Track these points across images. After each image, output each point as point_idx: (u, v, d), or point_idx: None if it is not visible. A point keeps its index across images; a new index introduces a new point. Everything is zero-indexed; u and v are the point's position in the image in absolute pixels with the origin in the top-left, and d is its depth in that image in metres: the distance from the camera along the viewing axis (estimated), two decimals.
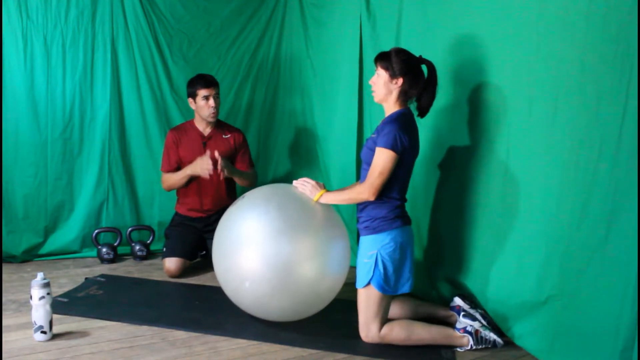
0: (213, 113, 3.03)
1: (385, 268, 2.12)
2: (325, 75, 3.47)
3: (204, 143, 3.08)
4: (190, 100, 3.08)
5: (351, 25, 3.17)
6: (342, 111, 3.32)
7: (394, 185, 2.16)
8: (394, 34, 2.84)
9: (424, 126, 2.66)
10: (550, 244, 2.01)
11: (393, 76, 2.17)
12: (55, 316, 2.19)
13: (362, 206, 2.22)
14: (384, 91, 2.20)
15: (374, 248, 2.15)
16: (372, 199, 2.13)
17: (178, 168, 3.11)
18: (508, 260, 2.21)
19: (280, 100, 3.83)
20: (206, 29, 3.59)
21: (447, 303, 2.43)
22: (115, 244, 3.30)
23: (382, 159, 2.09)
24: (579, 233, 1.89)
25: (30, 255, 3.21)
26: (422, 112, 2.24)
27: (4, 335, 2.14)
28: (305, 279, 2.17)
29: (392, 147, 2.08)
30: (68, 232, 3.31)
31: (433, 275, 2.68)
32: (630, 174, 1.71)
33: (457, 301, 2.35)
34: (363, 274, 2.16)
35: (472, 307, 2.30)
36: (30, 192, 3.19)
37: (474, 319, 2.22)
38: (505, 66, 2.18)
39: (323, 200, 2.25)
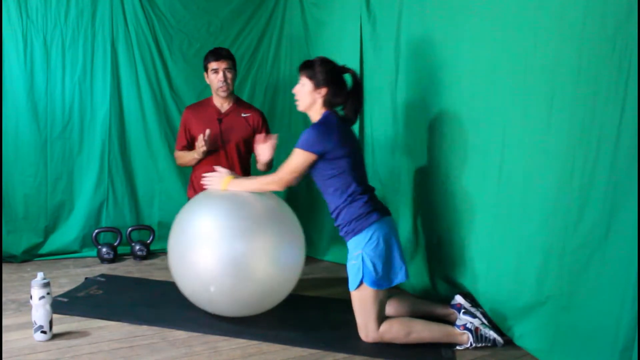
0: (222, 87, 2.94)
1: (373, 264, 2.13)
2: None
3: (220, 120, 2.99)
4: (205, 74, 3.03)
5: (351, 25, 3.17)
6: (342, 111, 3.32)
7: (346, 181, 2.19)
8: (394, 33, 2.84)
9: (423, 126, 2.66)
10: (548, 244, 2.01)
11: (317, 86, 2.24)
12: (55, 316, 2.19)
13: (334, 215, 2.25)
14: (308, 100, 2.27)
15: (358, 248, 2.16)
16: (279, 189, 2.26)
17: (192, 145, 3.04)
18: (507, 260, 2.21)
19: (279, 100, 3.84)
20: (206, 29, 3.59)
21: (446, 303, 2.42)
22: (115, 244, 3.30)
23: (295, 158, 2.19)
24: (577, 233, 1.89)
25: (30, 255, 3.21)
26: (349, 120, 2.29)
27: (4, 335, 2.14)
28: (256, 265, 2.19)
29: (304, 147, 2.17)
30: (68, 232, 3.31)
31: (432, 276, 2.68)
32: (629, 174, 1.71)
33: (458, 299, 2.35)
34: (353, 276, 2.17)
35: (473, 306, 2.30)
36: (30, 192, 3.20)
37: (474, 316, 2.22)
38: (503, 65, 2.17)
39: (231, 187, 2.31)
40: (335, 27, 3.34)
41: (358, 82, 2.29)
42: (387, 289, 2.18)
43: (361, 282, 2.14)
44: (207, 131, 2.85)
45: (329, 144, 2.16)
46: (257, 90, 3.78)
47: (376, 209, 2.20)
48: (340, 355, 2.09)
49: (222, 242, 2.17)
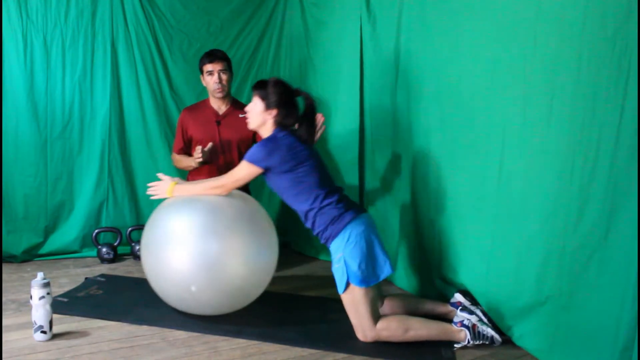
0: (218, 89, 2.97)
1: (357, 264, 2.14)
2: (325, 75, 3.47)
3: (218, 122, 3.02)
4: (201, 77, 3.06)
5: (351, 25, 3.17)
6: (342, 111, 3.32)
7: (306, 188, 2.22)
8: (394, 33, 2.84)
9: (423, 126, 2.66)
10: (548, 244, 2.01)
11: (268, 107, 2.27)
12: (55, 316, 2.19)
13: (309, 224, 2.27)
14: (259, 120, 2.31)
15: (339, 251, 2.18)
16: (223, 194, 2.30)
17: (189, 147, 3.09)
18: (507, 260, 2.21)
19: None
20: (206, 29, 3.59)
21: (446, 302, 2.43)
22: (115, 244, 3.30)
23: (240, 169, 2.25)
24: (576, 233, 1.89)
25: (30, 255, 3.21)
26: (305, 142, 2.30)
27: (4, 335, 2.14)
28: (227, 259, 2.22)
29: (250, 161, 2.22)
30: (68, 232, 3.31)
31: (433, 276, 2.68)
32: (629, 174, 1.70)
33: (458, 297, 2.36)
34: (339, 279, 2.18)
35: (472, 304, 2.30)
36: (30, 192, 3.20)
37: (471, 313, 2.22)
38: (503, 65, 2.17)
39: (177, 193, 2.34)
40: (335, 27, 3.34)
41: (311, 105, 2.32)
42: (375, 287, 2.20)
43: (348, 284, 2.15)
44: (210, 144, 2.87)
45: (274, 160, 2.20)
46: None
47: (349, 209, 2.22)
48: (340, 355, 2.09)
49: (195, 241, 2.19)
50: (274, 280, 3.03)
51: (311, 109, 2.32)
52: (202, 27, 3.57)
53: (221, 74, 2.96)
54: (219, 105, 3.05)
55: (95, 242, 3.29)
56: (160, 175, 2.46)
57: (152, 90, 3.45)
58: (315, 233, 2.27)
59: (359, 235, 2.16)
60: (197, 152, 2.84)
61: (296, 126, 2.33)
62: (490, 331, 2.18)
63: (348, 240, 2.16)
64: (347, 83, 3.25)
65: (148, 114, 3.45)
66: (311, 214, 2.23)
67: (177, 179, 2.41)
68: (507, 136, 2.17)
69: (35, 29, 3.12)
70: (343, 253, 2.16)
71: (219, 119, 3.02)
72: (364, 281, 2.14)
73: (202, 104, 3.11)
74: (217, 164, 2.98)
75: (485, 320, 2.21)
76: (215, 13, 3.60)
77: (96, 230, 3.30)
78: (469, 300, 2.32)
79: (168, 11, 3.47)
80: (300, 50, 3.68)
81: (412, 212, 2.81)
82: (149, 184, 2.45)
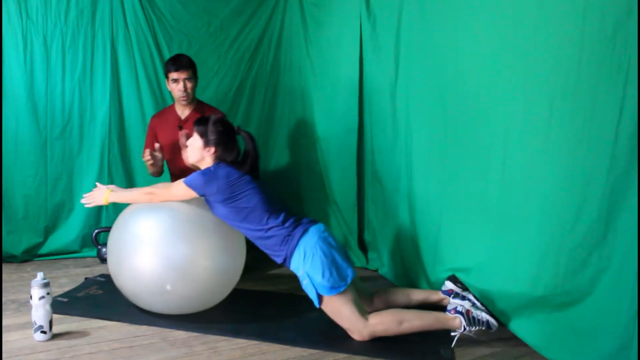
0: (183, 97, 2.95)
1: (322, 275, 2.14)
2: (325, 75, 3.47)
3: (180, 127, 3.00)
4: (166, 81, 3.03)
5: (351, 25, 3.17)
6: (342, 111, 3.32)
7: (248, 212, 2.24)
8: (394, 33, 2.84)
9: (423, 127, 2.66)
10: (547, 243, 2.01)
11: (206, 144, 2.31)
12: (55, 316, 2.19)
13: (262, 248, 2.29)
14: (198, 156, 2.35)
15: (300, 268, 2.19)
16: (155, 202, 2.32)
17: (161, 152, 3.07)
18: (506, 258, 2.20)
19: (279, 100, 3.84)
20: (206, 29, 3.59)
21: (438, 290, 2.44)
22: None
23: (178, 188, 2.28)
24: (574, 232, 1.89)
25: (30, 255, 3.21)
26: (250, 175, 2.32)
27: (4, 335, 2.14)
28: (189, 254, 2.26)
29: (187, 185, 2.25)
30: (68, 232, 3.31)
31: (430, 274, 2.68)
32: (628, 174, 1.71)
33: (449, 285, 2.37)
34: (311, 294, 2.19)
35: (463, 289, 2.31)
36: (30, 192, 3.20)
37: (463, 298, 2.23)
38: (502, 65, 2.17)
39: (112, 199, 2.39)
40: (335, 27, 3.34)
41: (252, 145, 2.35)
42: (352, 287, 2.19)
43: (320, 296, 2.16)
44: (157, 145, 2.88)
45: (210, 189, 2.24)
46: (257, 90, 3.78)
47: (297, 225, 2.24)
48: (340, 355, 2.09)
49: (163, 243, 2.24)
50: (274, 280, 3.04)
51: (253, 149, 2.35)
52: (202, 27, 3.57)
53: (186, 82, 2.94)
54: (182, 110, 3.05)
55: (95, 242, 3.29)
56: (97, 184, 2.51)
57: (152, 90, 3.45)
58: (271, 256, 2.29)
59: (313, 247, 2.17)
60: (146, 155, 2.84)
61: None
62: (484, 315, 2.17)
63: (305, 255, 2.17)
64: (347, 83, 3.25)
65: (148, 114, 3.44)
66: (260, 237, 2.25)
67: (112, 187, 2.46)
68: (509, 135, 2.16)
69: (35, 29, 3.12)
70: (304, 269, 2.17)
71: (181, 124, 3.02)
72: (334, 288, 2.14)
73: (168, 110, 3.11)
74: (184, 168, 2.96)
75: (478, 304, 2.21)
76: (215, 13, 3.60)
77: (96, 230, 3.30)
78: (460, 287, 2.33)
79: (168, 11, 3.46)
80: (299, 50, 3.68)
81: (412, 210, 2.81)
82: (84, 195, 2.49)
